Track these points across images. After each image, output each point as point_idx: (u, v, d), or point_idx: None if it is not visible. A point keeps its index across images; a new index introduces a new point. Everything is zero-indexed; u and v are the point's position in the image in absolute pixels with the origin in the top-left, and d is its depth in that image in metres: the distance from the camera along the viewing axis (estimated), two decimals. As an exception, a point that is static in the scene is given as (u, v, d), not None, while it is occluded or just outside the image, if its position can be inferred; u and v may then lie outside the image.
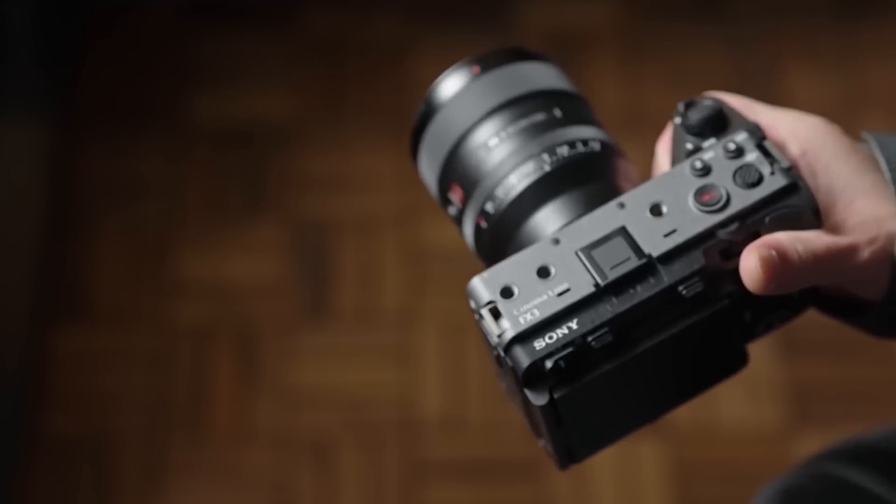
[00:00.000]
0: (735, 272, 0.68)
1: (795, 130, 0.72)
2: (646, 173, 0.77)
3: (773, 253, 0.67)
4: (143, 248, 1.84)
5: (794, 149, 0.72)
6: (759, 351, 1.73)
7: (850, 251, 0.69)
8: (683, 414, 1.70)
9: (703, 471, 1.66)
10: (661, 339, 0.69)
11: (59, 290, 1.81)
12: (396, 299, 1.80)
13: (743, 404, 1.71)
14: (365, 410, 1.72)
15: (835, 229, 0.70)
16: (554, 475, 1.66)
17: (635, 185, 0.73)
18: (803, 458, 0.92)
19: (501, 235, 0.74)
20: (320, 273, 1.82)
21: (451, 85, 0.75)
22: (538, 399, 0.67)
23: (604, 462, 1.67)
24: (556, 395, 0.67)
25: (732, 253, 0.68)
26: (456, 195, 0.76)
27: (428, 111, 0.76)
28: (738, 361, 0.74)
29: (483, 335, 0.70)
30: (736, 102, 0.73)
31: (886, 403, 1.70)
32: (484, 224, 0.74)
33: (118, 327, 1.78)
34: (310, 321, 1.79)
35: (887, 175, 0.71)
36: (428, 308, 1.79)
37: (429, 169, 0.78)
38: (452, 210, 0.77)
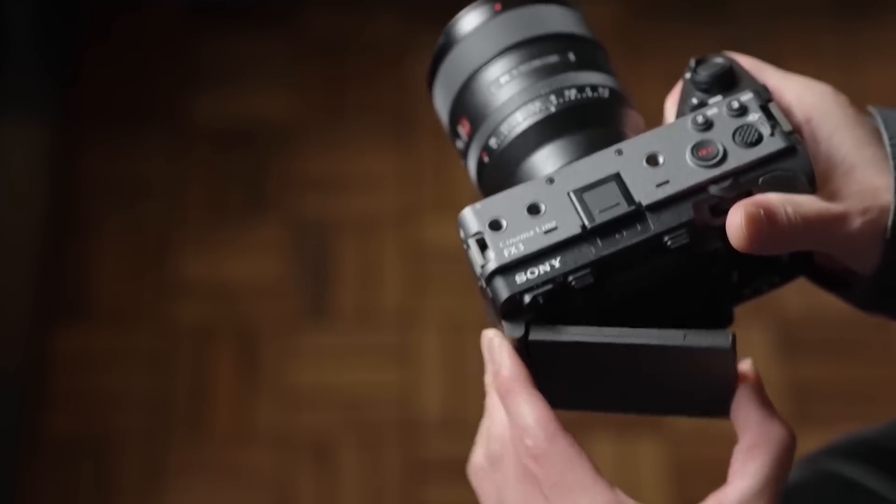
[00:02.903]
0: (722, 229, 0.68)
1: (802, 97, 0.73)
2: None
3: (761, 211, 0.67)
4: (144, 247, 1.84)
5: (798, 115, 0.72)
6: (759, 351, 1.73)
7: (841, 218, 0.69)
8: (683, 414, 1.70)
9: (703, 471, 1.66)
10: (642, 288, 0.69)
11: (59, 290, 1.81)
12: (396, 299, 1.80)
13: (743, 404, 1.71)
14: (365, 410, 1.72)
15: (830, 197, 0.70)
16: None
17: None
18: (802, 455, 0.93)
19: (502, 171, 0.74)
20: (320, 273, 1.82)
21: (470, 20, 0.76)
22: (514, 331, 0.68)
23: (603, 462, 1.67)
24: (531, 335, 0.68)
25: (722, 210, 0.69)
26: (464, 129, 0.76)
27: (446, 44, 0.77)
28: (723, 322, 0.75)
29: (469, 265, 0.71)
30: (747, 63, 0.74)
31: (886, 403, 1.70)
32: (486, 159, 0.75)
33: (118, 327, 1.79)
34: (310, 321, 1.79)
35: (889, 149, 0.71)
36: (428, 308, 1.79)
37: (442, 101, 0.78)
38: (459, 144, 0.77)
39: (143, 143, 1.92)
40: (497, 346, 0.70)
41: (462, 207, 0.71)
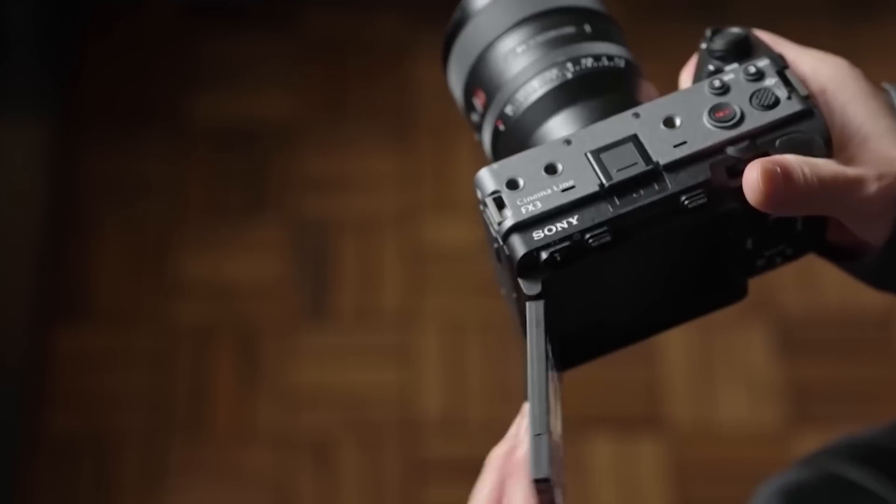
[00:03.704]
0: (739, 190, 0.68)
1: (817, 69, 0.73)
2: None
3: (778, 169, 0.67)
4: (144, 247, 1.84)
5: (814, 86, 0.73)
6: (759, 351, 1.73)
7: (857, 182, 0.69)
8: (683, 414, 1.70)
9: (703, 471, 1.66)
10: (659, 247, 0.69)
11: (60, 290, 1.81)
12: (396, 299, 1.80)
13: (743, 404, 1.71)
14: (365, 410, 1.72)
15: (846, 164, 0.70)
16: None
17: None
18: (803, 454, 0.93)
19: (517, 138, 0.74)
20: (320, 273, 1.82)
21: None
22: (531, 289, 0.67)
23: (603, 462, 1.68)
24: (532, 304, 0.68)
25: (739, 171, 0.69)
26: (479, 100, 0.76)
27: (461, 19, 0.77)
28: (737, 293, 0.74)
29: (485, 227, 0.70)
30: (763, 35, 0.75)
31: (886, 403, 1.70)
32: (502, 127, 0.75)
33: (118, 327, 1.79)
34: (310, 321, 1.79)
35: None
36: (428, 308, 1.79)
37: (457, 75, 0.78)
38: (474, 117, 0.77)
39: (143, 143, 1.92)
40: (525, 427, 0.70)
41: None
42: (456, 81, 0.78)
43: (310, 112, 1.95)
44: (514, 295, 0.70)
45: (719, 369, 1.73)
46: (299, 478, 1.69)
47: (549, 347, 0.69)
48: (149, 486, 1.68)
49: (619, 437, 1.69)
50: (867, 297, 0.80)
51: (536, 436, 0.65)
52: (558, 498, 0.66)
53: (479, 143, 0.78)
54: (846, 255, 0.76)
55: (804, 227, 0.74)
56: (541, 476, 0.64)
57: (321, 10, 2.02)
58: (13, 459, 1.69)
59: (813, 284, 1.77)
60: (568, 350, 0.72)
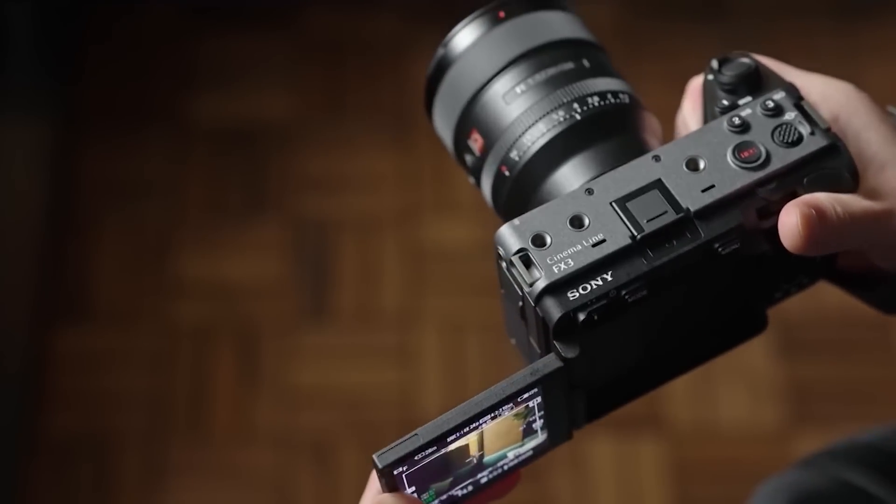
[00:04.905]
0: (770, 231, 0.67)
1: (827, 95, 0.73)
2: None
3: (813, 212, 0.66)
4: (144, 247, 1.84)
5: (825, 113, 0.72)
6: (759, 351, 1.73)
7: (885, 215, 0.69)
8: (683, 414, 1.70)
9: (703, 470, 1.66)
10: (688, 292, 0.67)
11: (60, 290, 1.81)
12: (396, 299, 1.80)
13: (742, 404, 1.71)
14: (365, 410, 1.72)
15: (868, 195, 0.70)
16: (554, 475, 1.66)
17: (661, 140, 0.72)
18: (804, 455, 0.93)
19: (526, 185, 0.71)
20: (320, 273, 1.82)
21: (472, 31, 0.74)
22: (569, 352, 0.65)
23: (604, 462, 1.67)
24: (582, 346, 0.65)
25: (769, 212, 0.67)
26: (476, 143, 0.73)
27: (448, 56, 0.75)
28: (759, 325, 0.74)
29: (506, 286, 0.67)
30: (767, 62, 0.73)
31: (886, 403, 1.70)
32: (507, 172, 0.72)
33: (118, 327, 1.79)
34: (310, 321, 1.79)
35: None
36: (428, 308, 1.79)
37: (446, 118, 0.75)
38: (469, 159, 0.74)
39: (143, 143, 1.92)
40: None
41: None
42: (445, 123, 0.75)
43: (310, 112, 1.95)
44: (539, 352, 0.68)
45: (719, 369, 1.73)
46: (299, 478, 1.69)
47: (556, 405, 0.67)
48: (149, 487, 1.68)
49: (619, 436, 1.69)
50: (867, 298, 0.80)
51: (413, 435, 0.64)
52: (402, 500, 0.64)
53: (475, 186, 0.75)
54: (856, 282, 0.76)
55: (821, 259, 0.73)
56: (379, 463, 0.64)
57: (321, 10, 2.02)
58: (13, 460, 1.69)
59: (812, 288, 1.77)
60: (595, 402, 0.70)
